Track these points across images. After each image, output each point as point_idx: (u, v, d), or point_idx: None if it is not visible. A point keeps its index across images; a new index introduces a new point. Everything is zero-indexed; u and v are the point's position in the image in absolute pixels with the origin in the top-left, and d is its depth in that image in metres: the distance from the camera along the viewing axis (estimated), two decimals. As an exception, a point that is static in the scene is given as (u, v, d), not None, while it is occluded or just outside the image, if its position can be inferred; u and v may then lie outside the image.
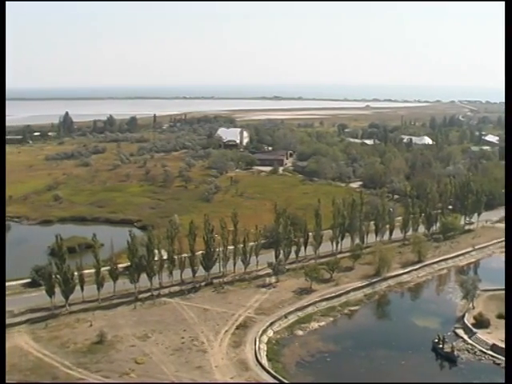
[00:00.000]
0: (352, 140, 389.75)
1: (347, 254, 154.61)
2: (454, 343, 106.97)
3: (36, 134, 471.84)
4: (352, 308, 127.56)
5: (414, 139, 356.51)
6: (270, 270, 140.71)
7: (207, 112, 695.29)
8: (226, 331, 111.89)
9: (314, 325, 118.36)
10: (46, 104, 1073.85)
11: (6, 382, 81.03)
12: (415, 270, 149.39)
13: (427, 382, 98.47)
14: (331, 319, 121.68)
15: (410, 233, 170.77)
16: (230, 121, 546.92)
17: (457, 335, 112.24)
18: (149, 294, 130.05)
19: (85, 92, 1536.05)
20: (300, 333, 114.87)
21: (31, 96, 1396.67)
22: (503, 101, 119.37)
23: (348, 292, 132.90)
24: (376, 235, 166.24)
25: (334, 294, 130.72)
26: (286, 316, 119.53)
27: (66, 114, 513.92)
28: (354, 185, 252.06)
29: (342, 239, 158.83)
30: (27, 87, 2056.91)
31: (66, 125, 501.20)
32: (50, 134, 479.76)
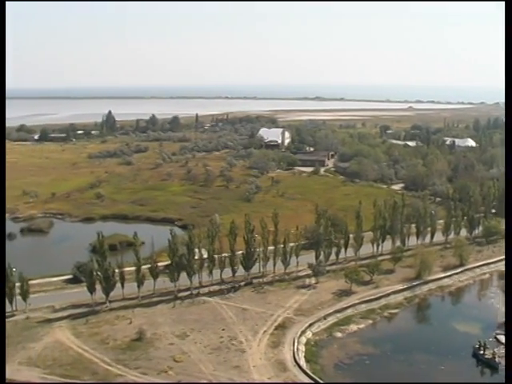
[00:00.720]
0: (394, 141, 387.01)
1: (388, 257, 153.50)
2: (496, 349, 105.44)
3: (79, 132, 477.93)
4: (392, 311, 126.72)
5: (457, 141, 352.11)
6: (309, 271, 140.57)
7: (249, 112, 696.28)
8: (265, 331, 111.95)
9: (353, 327, 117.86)
10: (89, 103, 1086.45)
11: (6, 381, 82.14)
12: (457, 273, 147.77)
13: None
14: (370, 322, 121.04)
15: (451, 236, 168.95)
16: (271, 121, 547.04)
17: (498, 341, 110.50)
18: (188, 292, 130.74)
19: (128, 91, 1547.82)
20: (339, 335, 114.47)
21: (75, 95, 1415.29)
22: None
23: (388, 295, 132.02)
24: (417, 238, 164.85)
25: (373, 297, 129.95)
26: (325, 317, 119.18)
27: (109, 112, 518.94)
28: (396, 187, 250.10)
29: (383, 241, 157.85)
30: (72, 86, 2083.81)
31: (109, 123, 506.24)
32: (93, 132, 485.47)
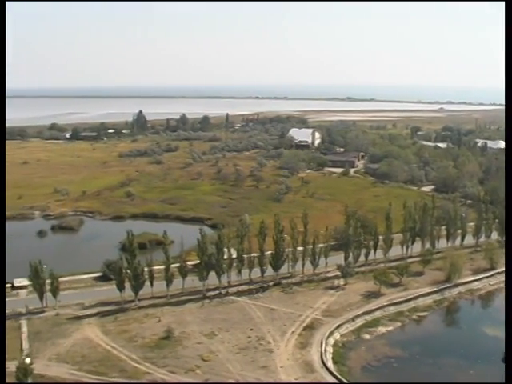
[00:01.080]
0: (425, 143, 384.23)
1: (417, 259, 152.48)
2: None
3: (110, 131, 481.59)
4: (421, 314, 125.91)
5: (489, 143, 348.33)
6: (338, 272, 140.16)
7: (279, 112, 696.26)
8: (293, 332, 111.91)
9: (382, 329, 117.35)
10: (120, 102, 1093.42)
11: (7, 382, 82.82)
12: (487, 277, 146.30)
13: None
14: (399, 324, 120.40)
15: (482, 239, 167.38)
16: (302, 121, 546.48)
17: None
18: (217, 292, 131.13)
19: (159, 91, 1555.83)
20: (367, 337, 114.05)
21: (107, 94, 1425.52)
22: None
23: (417, 297, 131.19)
24: (447, 240, 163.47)
25: (402, 299, 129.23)
26: (353, 319, 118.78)
27: (140, 112, 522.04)
28: (426, 188, 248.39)
29: (413, 243, 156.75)
30: (104, 85, 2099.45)
31: (140, 123, 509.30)
32: (123, 131, 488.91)
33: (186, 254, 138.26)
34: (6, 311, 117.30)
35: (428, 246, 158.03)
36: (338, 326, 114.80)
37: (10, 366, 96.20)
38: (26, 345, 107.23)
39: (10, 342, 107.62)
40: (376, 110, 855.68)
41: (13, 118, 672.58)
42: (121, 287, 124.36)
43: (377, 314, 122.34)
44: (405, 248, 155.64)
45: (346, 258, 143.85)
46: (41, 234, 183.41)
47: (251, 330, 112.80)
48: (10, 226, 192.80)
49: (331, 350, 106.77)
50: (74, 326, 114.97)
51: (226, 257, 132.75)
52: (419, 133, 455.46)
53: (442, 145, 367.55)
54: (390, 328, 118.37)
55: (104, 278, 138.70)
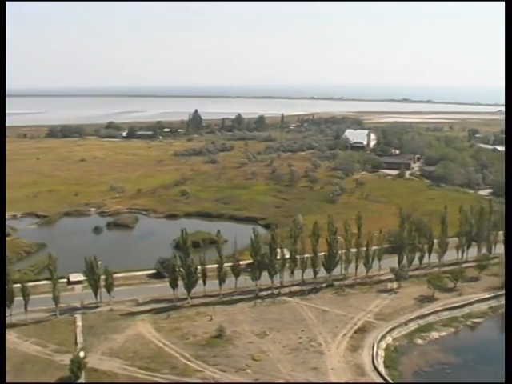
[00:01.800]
0: (483, 146, 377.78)
1: (473, 264, 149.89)
2: None
3: (166, 130, 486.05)
4: (475, 320, 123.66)
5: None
6: (392, 276, 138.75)
7: (335, 113, 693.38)
8: (345, 334, 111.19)
9: (435, 334, 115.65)
10: (176, 101, 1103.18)
11: (7, 381, 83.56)
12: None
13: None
14: (453, 330, 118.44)
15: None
16: (357, 122, 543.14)
17: None
18: (269, 292, 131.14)
19: (214, 90, 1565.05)
20: (419, 341, 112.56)
21: (163, 93, 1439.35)
22: None
23: (472, 303, 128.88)
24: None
25: (457, 304, 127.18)
26: (406, 323, 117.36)
27: (196, 111, 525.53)
28: (483, 192, 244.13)
29: (468, 248, 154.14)
30: (160, 85, 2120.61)
31: (195, 122, 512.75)
32: (179, 130, 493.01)
33: (240, 254, 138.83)
34: (62, 305, 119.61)
35: (484, 251, 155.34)
36: (391, 330, 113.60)
37: (65, 359, 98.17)
38: (80, 339, 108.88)
39: (65, 336, 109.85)
40: (433, 111, 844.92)
41: (71, 116, 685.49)
42: (174, 285, 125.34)
43: (430, 318, 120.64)
44: (460, 252, 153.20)
45: (399, 261, 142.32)
46: (96, 230, 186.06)
47: (302, 330, 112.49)
48: (66, 222, 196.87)
49: (383, 354, 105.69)
50: (127, 322, 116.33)
51: (278, 257, 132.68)
52: (477, 135, 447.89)
53: (500, 148, 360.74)
54: (444, 334, 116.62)
55: (157, 276, 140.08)
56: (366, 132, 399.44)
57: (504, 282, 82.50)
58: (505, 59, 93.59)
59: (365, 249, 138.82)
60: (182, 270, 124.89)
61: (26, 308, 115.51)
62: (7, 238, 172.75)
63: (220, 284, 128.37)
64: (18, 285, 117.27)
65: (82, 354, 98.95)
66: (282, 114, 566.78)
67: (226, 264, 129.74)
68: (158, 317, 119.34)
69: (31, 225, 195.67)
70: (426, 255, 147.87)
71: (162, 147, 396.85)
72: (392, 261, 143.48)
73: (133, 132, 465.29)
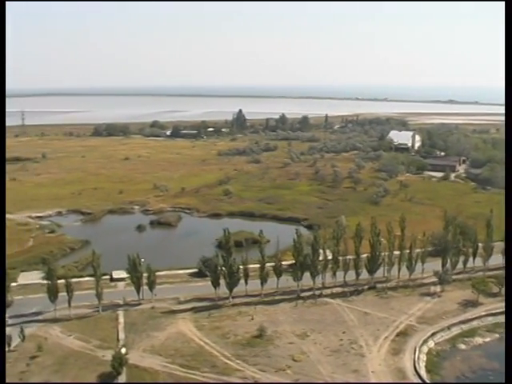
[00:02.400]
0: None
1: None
2: None
3: (210, 129, 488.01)
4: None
5: None
6: (435, 279, 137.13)
7: (379, 114, 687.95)
8: (386, 337, 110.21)
9: (479, 340, 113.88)
10: (220, 101, 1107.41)
11: (7, 382, 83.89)
12: None
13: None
14: (497, 336, 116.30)
15: None
16: (402, 123, 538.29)
17: None
18: (311, 292, 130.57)
19: (259, 90, 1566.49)
20: (462, 347, 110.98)
21: (207, 93, 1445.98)
22: None
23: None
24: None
25: (501, 310, 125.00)
26: (448, 328, 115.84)
27: (240, 111, 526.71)
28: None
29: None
30: (205, 84, 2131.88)
31: (239, 122, 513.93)
32: (223, 130, 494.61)
33: (282, 254, 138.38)
34: (105, 302, 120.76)
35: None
36: (433, 334, 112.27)
37: (106, 355, 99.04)
38: (122, 335, 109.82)
39: (107, 332, 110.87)
40: (479, 113, 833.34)
41: (116, 115, 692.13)
42: (216, 284, 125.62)
43: (474, 323, 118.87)
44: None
45: (443, 265, 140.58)
46: (140, 228, 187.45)
47: (344, 332, 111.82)
48: (110, 220, 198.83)
49: (425, 358, 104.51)
50: (169, 320, 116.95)
51: (321, 258, 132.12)
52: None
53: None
54: (488, 339, 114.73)
55: (199, 274, 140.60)
56: (411, 133, 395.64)
57: (504, 283, 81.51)
58: (505, 59, 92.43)
59: (408, 251, 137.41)
60: (224, 269, 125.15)
61: (69, 304, 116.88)
62: (52, 235, 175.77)
63: (262, 284, 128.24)
64: (63, 280, 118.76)
65: (123, 350, 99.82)
66: (326, 115, 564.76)
67: (268, 264, 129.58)
68: (199, 315, 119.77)
69: (76, 222, 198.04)
70: (471, 259, 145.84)
71: (206, 146, 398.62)
72: (435, 264, 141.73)
73: (177, 131, 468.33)
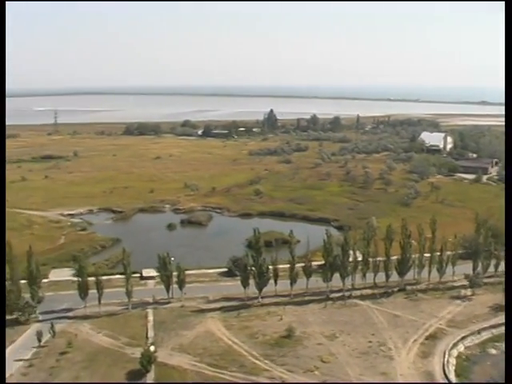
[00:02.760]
0: None
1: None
2: None
3: (241, 129, 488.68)
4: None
5: None
6: (466, 282, 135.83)
7: (411, 115, 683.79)
8: (415, 340, 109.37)
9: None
10: (252, 101, 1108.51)
11: (7, 382, 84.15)
12: None
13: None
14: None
15: None
16: (433, 125, 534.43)
17: None
18: (340, 294, 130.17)
19: (290, 90, 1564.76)
20: (493, 351, 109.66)
21: (239, 92, 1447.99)
22: None
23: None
24: None
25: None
26: (479, 332, 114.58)
27: (271, 111, 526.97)
28: None
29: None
30: (236, 84, 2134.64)
31: (271, 122, 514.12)
32: (254, 129, 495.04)
33: (312, 255, 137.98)
34: (134, 299, 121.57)
35: None
36: (463, 338, 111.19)
37: (135, 353, 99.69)
38: (151, 333, 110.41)
39: (137, 330, 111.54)
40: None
41: (148, 114, 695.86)
42: (245, 284, 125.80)
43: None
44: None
45: (474, 268, 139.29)
46: (170, 227, 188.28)
47: (373, 334, 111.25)
48: (141, 218, 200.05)
49: (454, 362, 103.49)
50: (198, 319, 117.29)
51: (351, 259, 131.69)
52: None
53: None
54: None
55: (229, 274, 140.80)
56: (443, 135, 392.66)
57: (504, 283, 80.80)
58: (505, 59, 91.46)
59: (439, 254, 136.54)
60: (253, 269, 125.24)
61: (99, 301, 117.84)
62: (83, 232, 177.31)
63: (291, 284, 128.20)
64: (93, 278, 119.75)
65: (152, 348, 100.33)
66: (358, 115, 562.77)
67: (297, 264, 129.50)
68: (228, 315, 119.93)
69: (107, 220, 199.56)
70: (502, 263, 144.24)
71: (237, 146, 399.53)
72: (466, 267, 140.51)
73: (208, 131, 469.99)
